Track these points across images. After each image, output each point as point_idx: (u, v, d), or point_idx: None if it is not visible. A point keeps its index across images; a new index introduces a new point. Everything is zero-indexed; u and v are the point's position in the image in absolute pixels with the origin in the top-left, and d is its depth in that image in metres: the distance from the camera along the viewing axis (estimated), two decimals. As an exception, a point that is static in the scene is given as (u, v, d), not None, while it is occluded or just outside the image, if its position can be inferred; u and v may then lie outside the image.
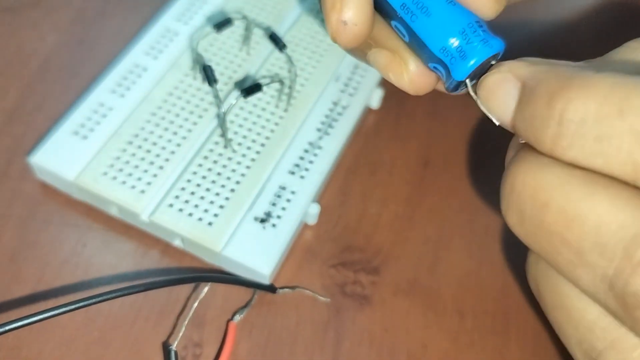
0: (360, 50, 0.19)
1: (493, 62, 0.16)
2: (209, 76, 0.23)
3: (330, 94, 0.26)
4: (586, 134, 0.13)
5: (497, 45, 0.16)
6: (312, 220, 0.23)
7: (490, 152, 0.27)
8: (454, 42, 0.15)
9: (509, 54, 0.16)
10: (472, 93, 0.16)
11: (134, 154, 0.23)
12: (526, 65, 0.15)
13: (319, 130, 0.25)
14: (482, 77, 0.15)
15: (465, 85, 0.16)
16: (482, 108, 0.16)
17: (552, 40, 0.32)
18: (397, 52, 0.17)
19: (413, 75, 0.17)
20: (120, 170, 0.23)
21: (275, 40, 0.25)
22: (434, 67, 0.16)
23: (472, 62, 0.15)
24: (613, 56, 0.16)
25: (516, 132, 0.15)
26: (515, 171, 0.15)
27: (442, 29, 0.16)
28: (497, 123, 0.16)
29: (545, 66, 0.14)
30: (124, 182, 0.22)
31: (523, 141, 0.15)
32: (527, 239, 0.15)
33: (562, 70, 0.14)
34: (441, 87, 0.18)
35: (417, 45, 0.16)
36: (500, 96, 0.15)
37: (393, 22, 0.17)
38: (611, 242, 0.13)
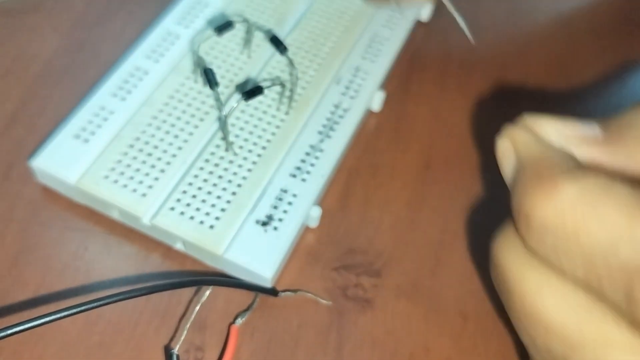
0: None
1: None
2: (210, 79, 0.23)
3: (332, 97, 0.26)
4: (546, 242, 0.14)
5: None
6: (313, 223, 0.23)
7: (492, 155, 0.27)
8: None
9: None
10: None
11: (135, 158, 0.23)
12: (525, 140, 0.16)
13: (320, 133, 0.25)
14: (497, 137, 0.17)
15: None
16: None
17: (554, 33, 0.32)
18: None
19: None
20: (122, 173, 0.23)
21: (277, 43, 0.25)
22: None
23: None
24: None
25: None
26: (496, 244, 0.16)
27: None
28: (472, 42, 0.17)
29: (536, 150, 0.15)
30: (125, 186, 0.22)
31: None
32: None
33: (541, 164, 0.15)
34: None
35: None
36: (504, 163, 0.17)
37: None
38: (557, 340, 0.14)
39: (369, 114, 0.27)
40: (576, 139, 0.15)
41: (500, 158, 0.17)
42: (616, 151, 0.14)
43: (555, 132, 0.15)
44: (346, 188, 0.25)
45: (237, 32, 0.27)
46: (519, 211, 0.14)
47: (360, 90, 0.26)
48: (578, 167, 0.14)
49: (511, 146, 0.16)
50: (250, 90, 0.23)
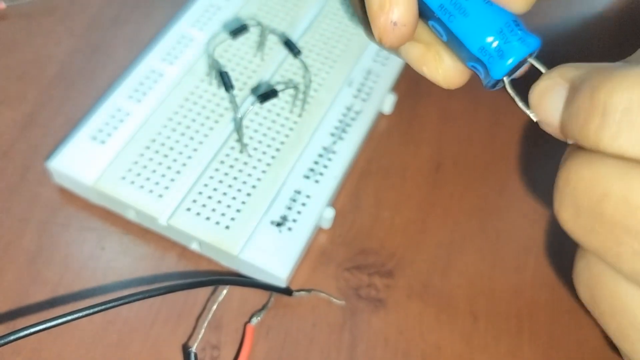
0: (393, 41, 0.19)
1: (530, 60, 0.16)
2: (225, 82, 0.24)
3: (344, 100, 0.26)
4: (633, 122, 0.13)
5: (534, 43, 0.16)
6: (326, 224, 0.24)
7: (501, 156, 0.27)
8: (492, 41, 0.16)
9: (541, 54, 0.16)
10: (509, 90, 0.16)
11: (151, 159, 0.23)
12: (574, 68, 0.15)
13: (332, 135, 0.25)
14: (535, 85, 0.16)
15: (503, 82, 0.16)
16: (520, 104, 0.16)
17: (566, 42, 0.32)
18: (433, 46, 0.18)
19: (447, 70, 0.18)
20: (138, 174, 0.23)
21: (290, 46, 0.25)
22: (472, 66, 0.17)
23: (510, 61, 0.16)
24: None
25: (564, 133, 0.15)
26: (570, 165, 0.15)
27: (479, 28, 0.16)
28: (535, 119, 0.16)
29: (590, 66, 0.15)
30: (142, 187, 0.23)
31: (572, 142, 0.15)
32: (583, 234, 0.15)
33: (604, 66, 0.14)
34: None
35: (456, 45, 0.16)
36: (550, 99, 0.15)
37: (430, 22, 0.17)
38: None
39: (380, 116, 0.27)
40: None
41: (539, 98, 0.15)
42: None
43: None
44: (358, 189, 0.25)
45: (250, 35, 0.27)
46: (591, 108, 0.14)
47: (372, 93, 0.27)
48: None
49: (557, 80, 0.15)
50: (265, 94, 0.24)
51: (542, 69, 0.16)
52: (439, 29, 0.17)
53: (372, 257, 0.24)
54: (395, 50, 0.19)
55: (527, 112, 0.16)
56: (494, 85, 0.16)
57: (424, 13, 0.17)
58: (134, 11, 0.29)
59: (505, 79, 0.16)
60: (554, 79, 0.15)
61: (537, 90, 0.15)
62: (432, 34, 0.17)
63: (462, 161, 0.27)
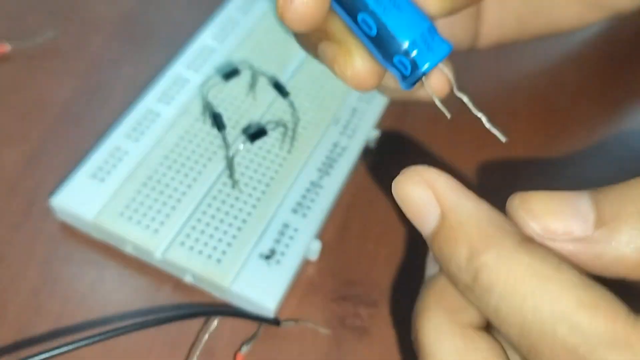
0: (312, 44, 0.19)
1: (439, 65, 0.17)
2: (218, 123, 0.25)
3: (331, 136, 0.28)
4: (489, 303, 0.14)
5: (450, 46, 0.17)
6: (313, 256, 0.25)
7: (482, 191, 0.28)
8: (422, 35, 0.17)
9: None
10: (427, 87, 0.18)
11: (148, 195, 0.25)
12: (451, 191, 0.15)
13: (320, 170, 0.27)
14: (399, 182, 0.16)
15: (422, 81, 0.17)
16: (436, 102, 0.18)
17: (541, 85, 0.33)
18: (345, 45, 0.18)
19: (357, 70, 0.18)
20: (136, 210, 0.24)
21: (279, 88, 0.27)
22: (396, 63, 0.17)
23: (439, 54, 0.17)
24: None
25: (431, 250, 0.16)
26: (419, 325, 0.16)
27: (411, 22, 0.17)
28: (448, 116, 0.17)
29: (470, 206, 0.15)
30: (139, 222, 0.24)
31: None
32: None
33: (486, 222, 0.14)
34: (391, 84, 0.19)
35: (383, 39, 0.17)
36: (418, 215, 0.15)
37: (361, 15, 0.17)
38: None
39: (366, 150, 0.29)
40: (563, 235, 0.14)
41: (409, 204, 0.15)
42: (607, 248, 0.14)
43: (535, 224, 0.15)
44: (344, 222, 0.27)
45: (242, 77, 0.28)
46: (465, 269, 0.14)
47: (357, 129, 0.28)
48: (529, 240, 0.14)
49: (429, 195, 0.15)
50: (255, 133, 0.25)
51: (449, 74, 0.18)
52: (369, 22, 0.17)
53: (357, 287, 0.25)
54: (309, 48, 0.20)
55: (443, 110, 0.17)
56: (414, 83, 0.17)
57: (354, 8, 0.17)
58: (133, 53, 0.31)
59: (423, 78, 0.17)
60: (425, 191, 0.15)
61: (406, 194, 0.15)
62: (347, 33, 0.18)
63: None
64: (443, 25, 0.19)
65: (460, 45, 0.27)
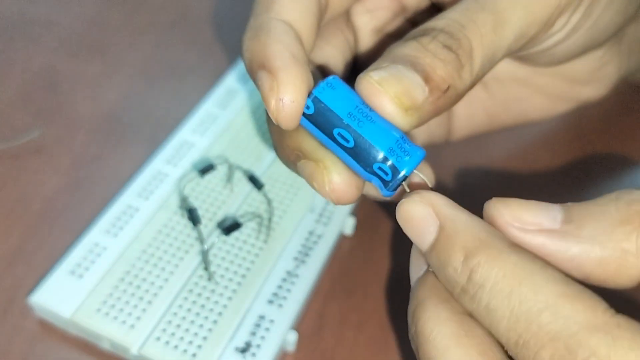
0: (292, 162, 0.21)
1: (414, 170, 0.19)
2: (193, 218, 0.26)
3: (306, 225, 0.28)
4: (482, 299, 0.16)
5: (422, 152, 0.18)
6: (290, 347, 0.25)
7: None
8: (398, 143, 0.18)
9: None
10: (407, 189, 0.19)
11: (125, 290, 0.25)
12: (447, 206, 0.17)
13: (296, 259, 0.27)
14: (402, 203, 0.18)
15: (403, 185, 0.18)
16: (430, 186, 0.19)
17: (515, 169, 0.35)
18: (322, 162, 0.19)
19: (334, 185, 0.19)
20: (113, 306, 0.25)
21: (254, 180, 0.28)
22: (376, 170, 0.18)
23: (417, 158, 0.18)
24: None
25: (428, 262, 0.18)
26: (416, 317, 0.18)
27: (386, 132, 0.18)
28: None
29: (464, 217, 0.17)
30: (115, 318, 0.24)
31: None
32: None
33: (479, 229, 0.16)
34: (371, 193, 0.21)
35: (361, 150, 0.18)
36: (419, 230, 0.17)
37: (337, 130, 0.18)
38: None
39: (342, 238, 0.29)
40: (532, 225, 0.16)
41: (408, 222, 0.18)
42: (572, 241, 0.16)
43: (508, 218, 0.17)
44: (322, 310, 0.27)
45: (218, 171, 0.29)
46: (461, 270, 0.16)
47: (333, 217, 0.29)
48: (517, 245, 0.16)
49: (428, 212, 0.17)
50: (230, 226, 0.26)
51: (426, 177, 0.19)
52: (345, 135, 0.18)
53: (334, 377, 0.25)
54: (291, 166, 0.21)
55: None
56: (396, 188, 0.18)
57: (329, 124, 0.18)
58: (115, 150, 0.32)
59: (404, 183, 0.18)
60: (425, 207, 0.17)
61: (406, 213, 0.17)
62: (322, 150, 0.19)
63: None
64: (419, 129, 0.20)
65: (435, 139, 0.29)
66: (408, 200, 0.17)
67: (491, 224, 0.17)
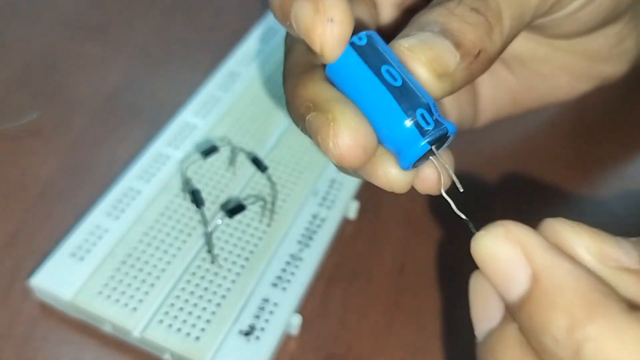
0: (302, 118, 0.18)
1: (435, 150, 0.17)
2: (196, 200, 0.25)
3: (310, 208, 0.28)
4: None
5: (454, 126, 0.17)
6: (294, 331, 0.25)
7: (462, 258, 0.29)
8: (434, 104, 0.17)
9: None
10: (438, 162, 0.18)
11: (127, 273, 0.25)
12: (543, 249, 0.14)
13: (299, 242, 0.27)
14: (481, 237, 0.15)
15: (431, 151, 0.17)
16: (451, 173, 0.18)
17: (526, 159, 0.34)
18: (332, 113, 0.17)
19: (340, 139, 0.17)
20: (114, 289, 0.24)
21: (257, 163, 0.28)
22: (420, 115, 0.17)
23: (452, 127, 0.17)
24: None
25: (513, 317, 0.14)
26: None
27: (426, 92, 0.17)
28: (461, 190, 0.18)
29: (566, 267, 0.13)
30: (117, 300, 0.24)
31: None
32: None
33: (587, 286, 0.13)
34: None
35: (408, 89, 0.17)
36: (504, 276, 0.14)
37: (385, 67, 0.17)
38: None
39: (346, 222, 0.29)
40: (613, 261, 0.14)
41: (506, 265, 0.14)
42: None
43: (586, 247, 0.14)
44: (325, 294, 0.27)
45: (222, 153, 0.29)
46: (564, 344, 0.13)
47: (336, 200, 0.29)
48: (630, 305, 0.13)
49: (518, 255, 0.14)
50: (234, 208, 0.26)
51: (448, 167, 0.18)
52: (394, 73, 0.17)
53: (339, 361, 0.25)
54: (301, 115, 0.18)
55: (457, 183, 0.18)
56: (424, 152, 0.17)
57: (379, 59, 0.17)
58: (115, 132, 0.32)
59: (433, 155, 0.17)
60: (514, 248, 0.14)
61: (490, 249, 0.14)
62: (336, 103, 0.17)
63: (425, 263, 0.28)
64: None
65: (464, 120, 0.28)
66: (489, 234, 0.14)
67: (556, 246, 0.14)
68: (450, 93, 0.18)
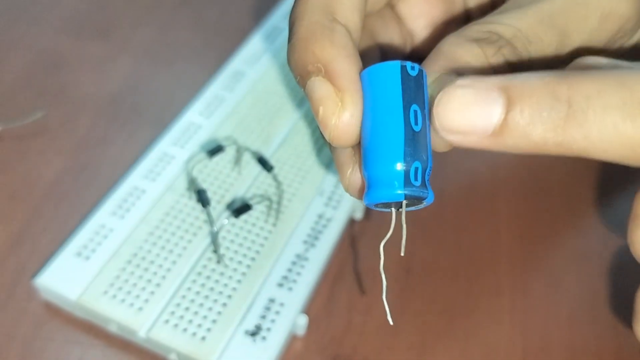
0: (306, 75, 0.18)
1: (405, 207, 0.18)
2: (202, 199, 0.25)
3: (315, 208, 0.28)
4: None
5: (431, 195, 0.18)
6: (300, 331, 0.25)
7: (468, 259, 0.29)
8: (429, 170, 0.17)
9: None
10: (403, 216, 0.18)
11: (132, 273, 0.25)
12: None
13: (305, 242, 0.27)
14: (448, 95, 0.16)
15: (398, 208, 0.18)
16: (404, 233, 0.18)
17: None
18: (343, 93, 0.17)
19: (342, 123, 0.17)
20: (120, 288, 0.24)
21: (263, 162, 0.27)
22: (414, 168, 0.17)
23: (431, 195, 0.17)
24: None
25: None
26: None
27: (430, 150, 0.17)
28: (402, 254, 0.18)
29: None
30: (123, 300, 0.24)
31: None
32: None
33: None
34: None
35: (419, 141, 0.17)
36: (480, 110, 0.16)
37: (415, 107, 0.17)
38: None
39: (351, 222, 0.29)
40: None
41: (467, 108, 0.16)
42: None
43: None
44: (331, 295, 0.26)
45: (228, 151, 0.29)
46: None
47: (342, 200, 0.28)
48: None
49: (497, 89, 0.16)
50: (239, 208, 0.25)
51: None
52: (419, 117, 0.17)
53: (345, 361, 0.25)
54: (305, 72, 0.18)
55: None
56: (399, 201, 0.17)
57: (414, 97, 0.17)
58: (120, 131, 0.32)
59: (402, 205, 0.18)
60: (485, 90, 0.15)
61: (457, 103, 0.16)
62: (352, 81, 0.17)
63: (431, 264, 0.28)
64: None
65: None
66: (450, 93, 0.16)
67: None
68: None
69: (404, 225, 0.18)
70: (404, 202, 0.17)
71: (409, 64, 0.17)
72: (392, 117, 0.17)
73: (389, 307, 0.26)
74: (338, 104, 0.17)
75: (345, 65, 0.17)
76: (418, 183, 0.17)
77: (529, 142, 0.16)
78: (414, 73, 0.17)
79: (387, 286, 0.27)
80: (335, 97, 0.17)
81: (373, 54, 0.23)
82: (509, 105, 0.15)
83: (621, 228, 0.29)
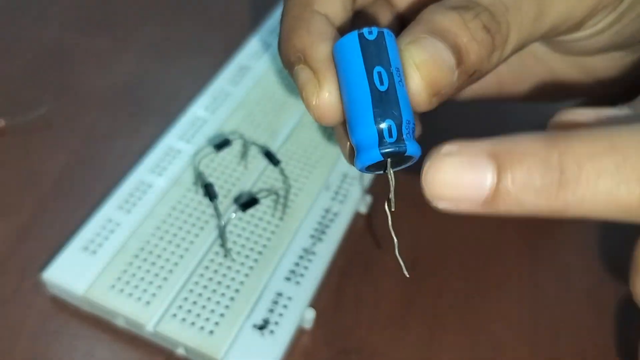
0: (291, 64, 0.20)
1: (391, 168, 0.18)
2: (210, 193, 0.25)
3: (322, 202, 0.28)
4: None
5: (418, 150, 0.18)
6: (308, 325, 0.25)
7: (476, 252, 0.28)
8: (410, 126, 0.18)
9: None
10: (390, 173, 0.18)
11: (139, 267, 0.25)
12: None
13: (312, 236, 0.27)
14: (427, 169, 0.16)
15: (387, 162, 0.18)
16: (392, 189, 0.18)
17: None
18: (319, 74, 0.18)
19: (321, 102, 0.18)
20: (127, 282, 0.24)
21: (270, 156, 0.27)
22: (388, 126, 0.17)
23: (418, 149, 0.18)
24: None
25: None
26: None
27: (409, 109, 0.17)
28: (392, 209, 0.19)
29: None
30: (130, 295, 0.24)
31: None
32: None
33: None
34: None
35: (388, 100, 0.17)
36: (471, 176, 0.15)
37: (378, 69, 0.17)
38: None
39: (358, 216, 0.29)
40: None
41: (460, 175, 0.16)
42: None
43: None
44: (339, 288, 0.26)
45: (234, 147, 0.29)
46: None
47: (349, 194, 0.28)
48: None
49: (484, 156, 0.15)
50: (247, 202, 0.25)
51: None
52: (384, 78, 0.17)
53: (353, 356, 0.24)
54: (290, 62, 0.20)
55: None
56: (380, 161, 0.18)
57: (376, 59, 0.17)
58: (125, 126, 0.32)
59: (388, 162, 0.18)
60: (474, 157, 0.15)
61: (447, 171, 0.16)
62: (326, 64, 0.18)
63: (438, 257, 0.28)
64: None
65: None
66: (435, 162, 0.16)
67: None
68: (433, 107, 0.18)
69: (392, 182, 0.18)
70: (389, 160, 0.18)
71: (366, 29, 0.18)
72: (358, 83, 0.17)
73: (396, 297, 0.26)
74: (317, 86, 0.18)
75: (320, 48, 0.19)
76: (393, 139, 0.17)
77: (523, 209, 0.16)
78: (372, 37, 0.18)
79: (395, 278, 0.27)
80: (314, 79, 0.19)
81: None
82: (500, 173, 0.15)
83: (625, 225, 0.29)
